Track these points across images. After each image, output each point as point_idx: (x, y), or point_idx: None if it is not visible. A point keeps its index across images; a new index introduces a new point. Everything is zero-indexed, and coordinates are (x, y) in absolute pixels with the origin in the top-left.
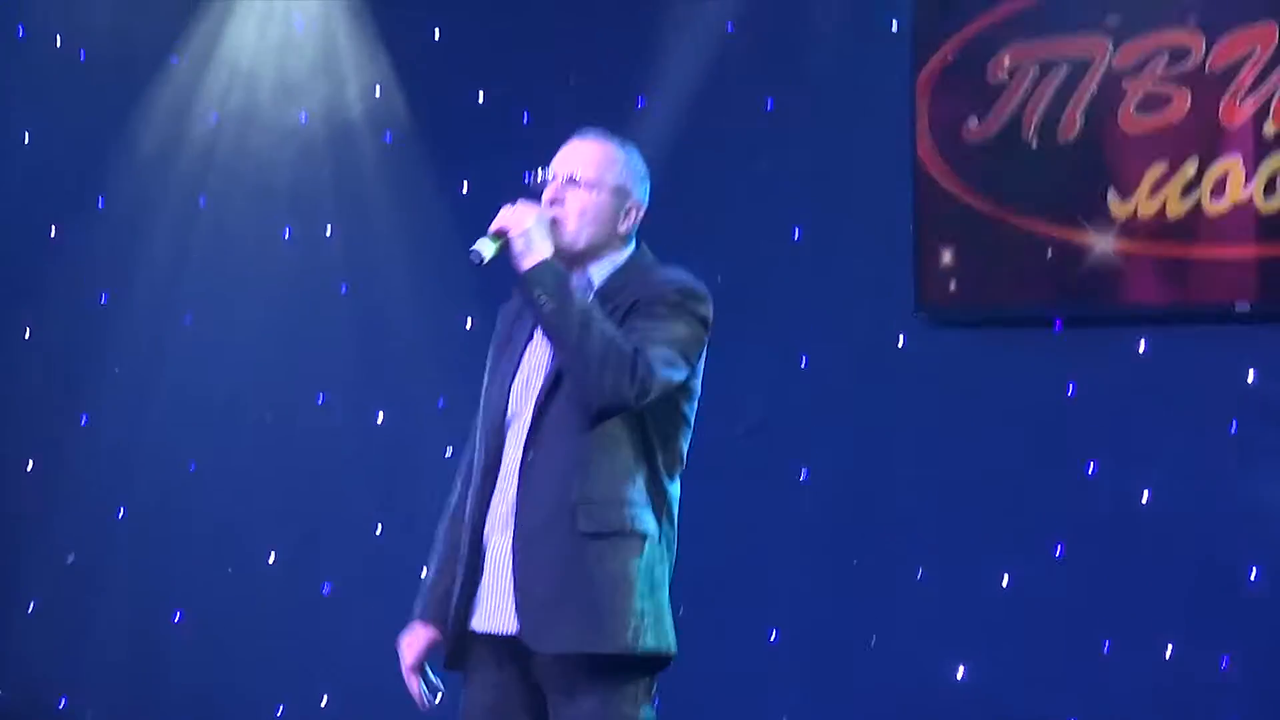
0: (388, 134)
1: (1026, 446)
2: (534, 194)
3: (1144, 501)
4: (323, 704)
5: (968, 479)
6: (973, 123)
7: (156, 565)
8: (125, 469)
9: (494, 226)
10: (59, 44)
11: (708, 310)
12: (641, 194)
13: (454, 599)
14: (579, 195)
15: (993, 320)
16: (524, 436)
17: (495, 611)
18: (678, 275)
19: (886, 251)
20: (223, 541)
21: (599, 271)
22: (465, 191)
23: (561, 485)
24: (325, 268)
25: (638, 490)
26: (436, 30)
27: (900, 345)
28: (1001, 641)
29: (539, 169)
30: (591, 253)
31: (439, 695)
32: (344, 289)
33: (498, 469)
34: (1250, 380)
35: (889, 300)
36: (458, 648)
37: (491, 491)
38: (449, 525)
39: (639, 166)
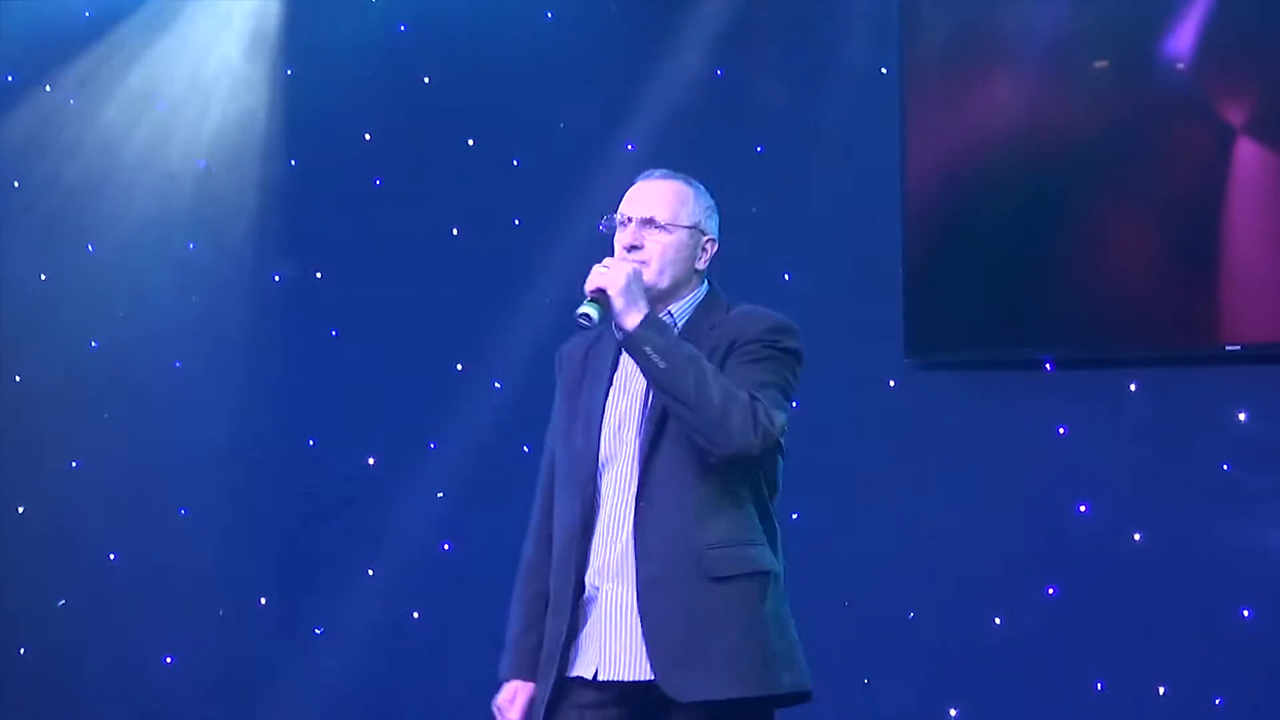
0: (378, 179)
1: (1018, 488)
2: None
3: (1136, 542)
4: None
5: (959, 520)
6: (963, 165)
7: (148, 609)
8: (116, 513)
9: (591, 286)
10: (48, 90)
11: (799, 343)
12: (714, 229)
13: (558, 649)
14: (658, 237)
15: (983, 362)
16: (632, 485)
17: (615, 660)
18: (765, 313)
19: (877, 294)
20: (214, 585)
21: (679, 310)
22: (456, 235)
23: (683, 532)
24: (315, 312)
25: (755, 529)
26: (426, 76)
27: (891, 387)
28: (994, 682)
29: (607, 215)
30: (674, 292)
31: None
32: (334, 333)
33: (595, 517)
34: (1242, 421)
35: (880, 343)
36: (556, 696)
37: (590, 540)
38: (529, 579)
39: (709, 201)
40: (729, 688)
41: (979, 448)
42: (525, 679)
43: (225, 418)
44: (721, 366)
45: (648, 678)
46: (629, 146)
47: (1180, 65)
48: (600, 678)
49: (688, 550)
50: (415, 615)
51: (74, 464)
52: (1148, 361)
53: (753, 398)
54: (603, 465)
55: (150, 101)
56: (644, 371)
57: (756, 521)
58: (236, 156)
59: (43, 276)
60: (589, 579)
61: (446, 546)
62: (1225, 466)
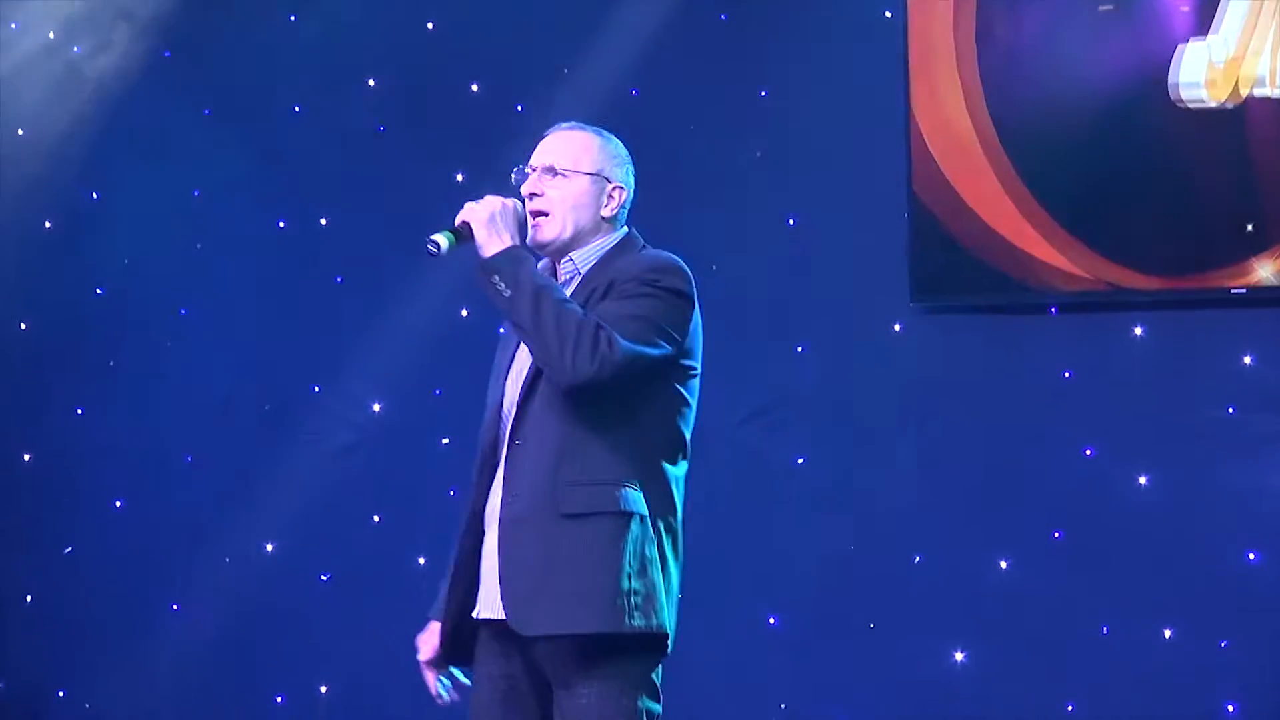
0: (381, 125)
1: (1024, 432)
2: (519, 191)
3: (1141, 485)
4: (322, 693)
5: (965, 465)
6: (965, 109)
7: (154, 556)
8: (122, 461)
9: (458, 220)
10: (52, 37)
11: (681, 283)
12: (622, 177)
13: (456, 589)
14: (557, 184)
15: (989, 306)
16: (510, 426)
17: (490, 599)
18: (653, 254)
19: (882, 238)
20: (220, 532)
21: (585, 258)
22: (460, 181)
23: (544, 469)
24: (320, 259)
25: (627, 471)
26: (430, 22)
27: (896, 331)
28: (1000, 626)
29: (519, 167)
30: (578, 240)
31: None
32: (339, 280)
33: (495, 462)
34: (1247, 364)
35: (885, 286)
36: (458, 638)
37: (489, 484)
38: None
39: (617, 150)
40: (572, 623)
41: (984, 392)
42: (439, 619)
43: (230, 364)
44: (600, 305)
45: (503, 616)
46: (633, 92)
47: (1184, 9)
48: (479, 617)
49: (547, 487)
50: (421, 561)
51: (79, 411)
52: (1153, 305)
53: (599, 327)
54: (506, 413)
55: (155, 49)
56: (492, 301)
57: (632, 466)
58: (240, 103)
59: (47, 224)
60: (485, 522)
61: (452, 493)
62: (1230, 409)
